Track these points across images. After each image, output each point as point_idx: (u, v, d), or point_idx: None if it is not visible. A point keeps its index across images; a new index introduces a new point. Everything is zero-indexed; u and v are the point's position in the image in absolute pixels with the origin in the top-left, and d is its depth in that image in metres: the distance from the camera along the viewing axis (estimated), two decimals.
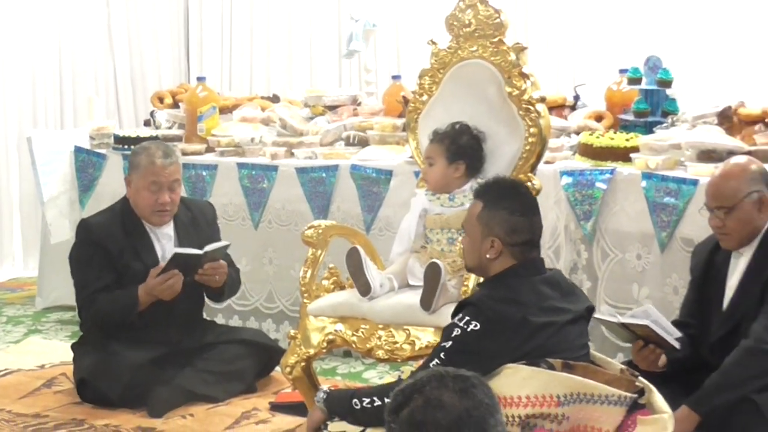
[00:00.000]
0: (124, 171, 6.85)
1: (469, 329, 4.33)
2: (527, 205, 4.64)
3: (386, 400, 4.19)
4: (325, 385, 4.71)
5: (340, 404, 4.55)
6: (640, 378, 4.41)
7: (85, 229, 6.19)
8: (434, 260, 5.02)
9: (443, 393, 2.89)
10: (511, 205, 4.56)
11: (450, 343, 4.35)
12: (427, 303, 5.03)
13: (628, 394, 4.24)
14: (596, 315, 5.78)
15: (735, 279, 5.32)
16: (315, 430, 4.68)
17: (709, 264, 5.47)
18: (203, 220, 6.33)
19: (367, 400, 4.40)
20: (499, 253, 4.51)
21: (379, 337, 5.24)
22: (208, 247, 5.97)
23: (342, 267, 5.63)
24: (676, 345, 5.27)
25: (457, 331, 4.35)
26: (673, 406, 4.60)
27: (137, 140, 7.11)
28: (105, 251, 6.05)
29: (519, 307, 4.37)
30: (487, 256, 4.52)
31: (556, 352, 4.36)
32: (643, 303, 5.83)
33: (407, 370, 5.48)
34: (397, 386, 4.26)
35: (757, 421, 4.78)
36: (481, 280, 4.76)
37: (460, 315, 4.40)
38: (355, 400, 4.45)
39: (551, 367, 4.28)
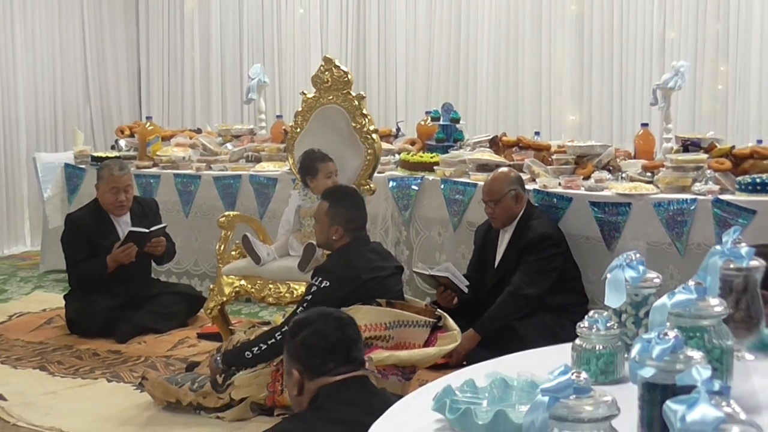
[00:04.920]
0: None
1: (322, 286, 4.35)
2: (358, 203, 4.68)
3: (270, 342, 4.27)
4: (216, 355, 4.51)
5: (235, 359, 4.40)
6: (438, 310, 4.50)
7: (69, 220, 6.10)
8: (311, 242, 4.95)
9: (326, 327, 2.88)
10: (347, 204, 4.61)
11: (310, 296, 4.36)
12: (303, 267, 4.97)
13: (431, 320, 4.35)
14: (414, 269, 5.82)
15: (502, 247, 5.37)
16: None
17: (485, 238, 5.52)
18: (150, 211, 6.19)
19: (256, 348, 4.31)
20: (341, 236, 4.56)
21: (270, 289, 5.18)
22: (153, 228, 5.90)
23: None
24: (465, 290, 5.30)
25: (314, 288, 4.37)
26: (463, 329, 4.67)
27: (106, 159, 6.92)
28: (83, 235, 5.94)
29: (353, 269, 4.43)
30: (333, 237, 4.58)
31: (381, 296, 4.42)
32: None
33: (289, 311, 5.37)
34: (269, 335, 4.30)
35: (515, 340, 4.77)
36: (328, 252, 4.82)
37: (315, 277, 4.41)
38: (246, 352, 4.34)
39: (379, 305, 4.37)
